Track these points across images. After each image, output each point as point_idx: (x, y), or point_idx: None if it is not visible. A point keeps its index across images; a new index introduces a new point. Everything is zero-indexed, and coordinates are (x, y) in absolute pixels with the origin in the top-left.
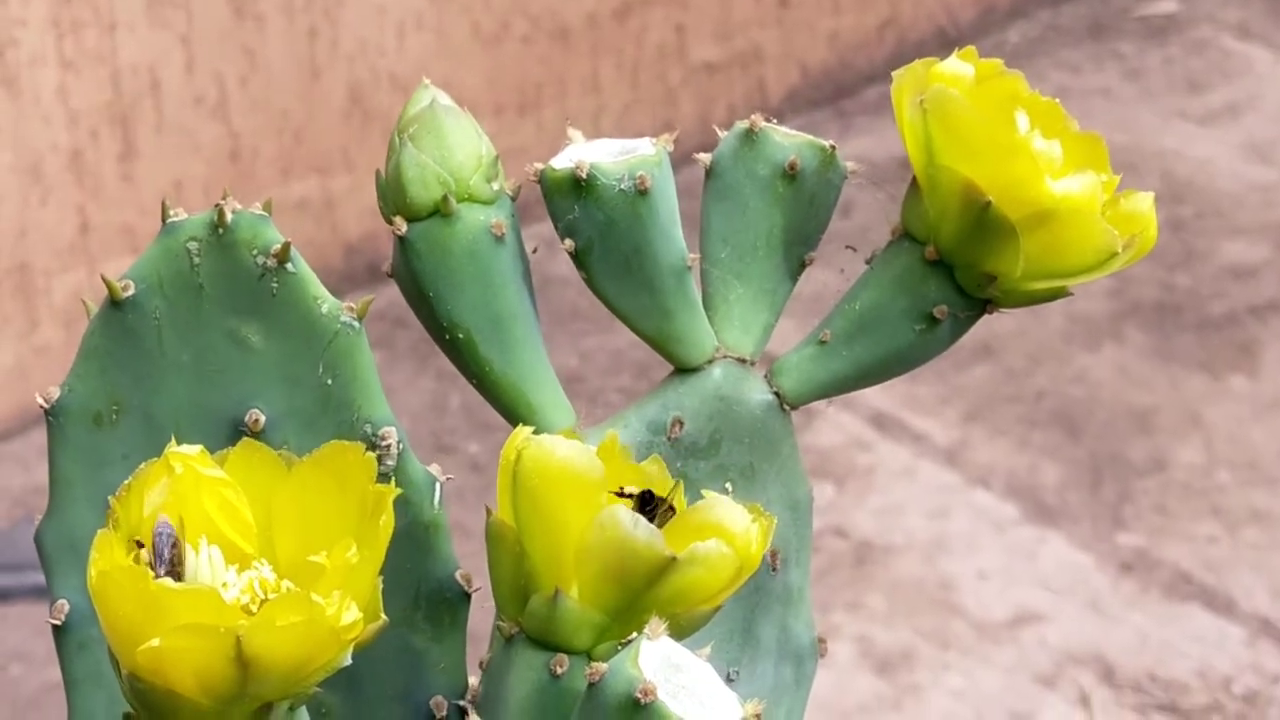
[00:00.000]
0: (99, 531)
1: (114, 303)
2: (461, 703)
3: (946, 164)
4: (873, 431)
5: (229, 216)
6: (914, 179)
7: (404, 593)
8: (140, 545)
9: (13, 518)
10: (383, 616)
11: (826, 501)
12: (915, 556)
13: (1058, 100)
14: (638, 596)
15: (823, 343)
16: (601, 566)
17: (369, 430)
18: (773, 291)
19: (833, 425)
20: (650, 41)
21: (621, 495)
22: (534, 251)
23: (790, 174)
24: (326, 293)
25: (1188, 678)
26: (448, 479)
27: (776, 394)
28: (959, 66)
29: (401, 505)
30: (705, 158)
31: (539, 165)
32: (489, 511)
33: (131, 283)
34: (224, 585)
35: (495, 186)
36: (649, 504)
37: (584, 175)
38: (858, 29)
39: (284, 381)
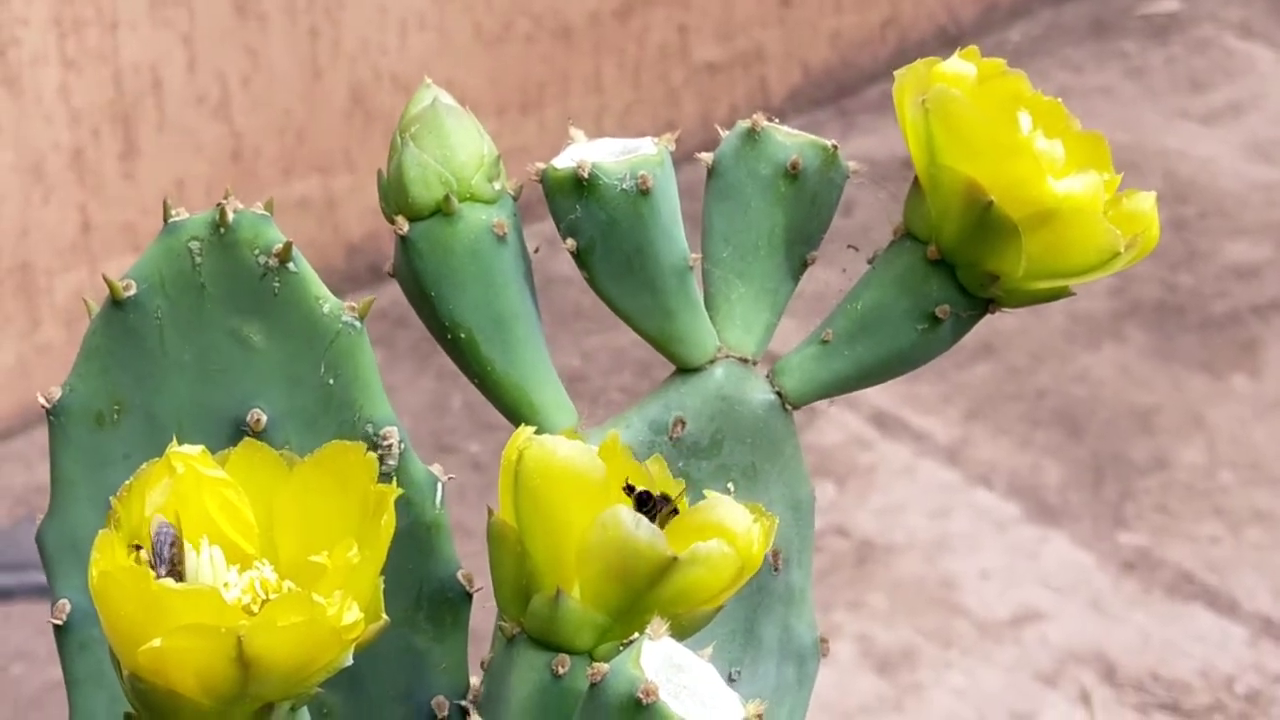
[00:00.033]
0: (100, 531)
1: (115, 302)
2: (463, 703)
3: (948, 164)
4: (874, 430)
5: (230, 216)
6: (916, 178)
7: (406, 593)
8: (140, 548)
9: (14, 516)
10: (384, 617)
11: (828, 501)
12: (917, 556)
13: (1060, 100)
14: (639, 597)
15: (825, 342)
16: (603, 566)
17: (370, 430)
18: (774, 291)
19: (834, 424)
20: (652, 41)
21: (630, 490)
22: (536, 251)
23: (792, 173)
24: (328, 292)
25: (1190, 677)
26: (449, 479)
27: (778, 394)
28: (961, 66)
29: (403, 505)
30: (707, 157)
31: (541, 165)
32: (490, 511)
33: (133, 282)
34: (225, 585)
35: (497, 186)
36: (647, 504)
37: (586, 175)
38: (860, 28)
39: (285, 381)
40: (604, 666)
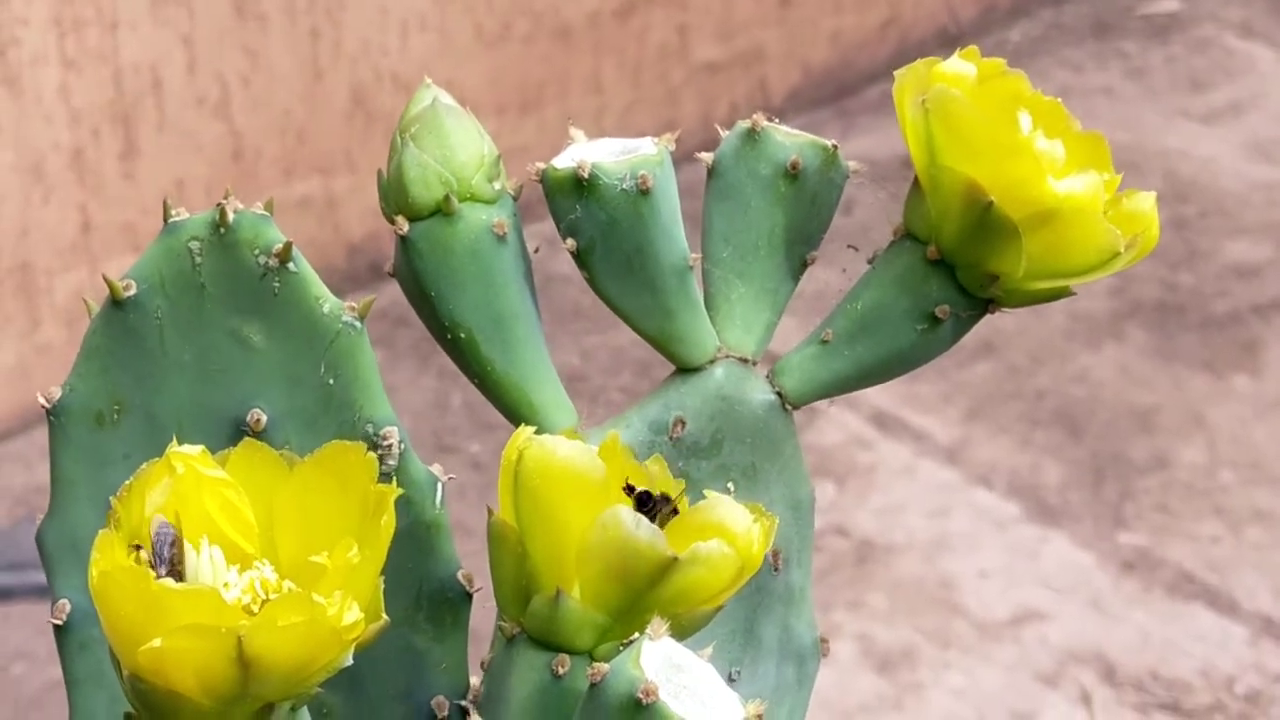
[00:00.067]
0: (100, 532)
1: (115, 302)
2: (463, 702)
3: (949, 164)
4: (874, 430)
5: (231, 216)
6: (916, 179)
7: (406, 592)
8: (140, 548)
9: (14, 516)
10: (384, 617)
11: (828, 500)
12: (916, 555)
13: (1060, 100)
14: (639, 597)
15: (825, 342)
16: (603, 566)
17: (370, 430)
18: (774, 291)
19: (834, 424)
20: (652, 41)
21: (630, 490)
22: (536, 251)
23: (792, 173)
24: (328, 292)
25: (1190, 677)
26: (449, 478)
27: (778, 394)
28: (961, 66)
29: (403, 505)
30: (707, 157)
31: (541, 165)
32: (491, 512)
33: (133, 282)
34: (225, 585)
35: (497, 186)
36: (647, 503)
37: (586, 175)
38: (860, 28)
39: (286, 381)
40: (604, 666)
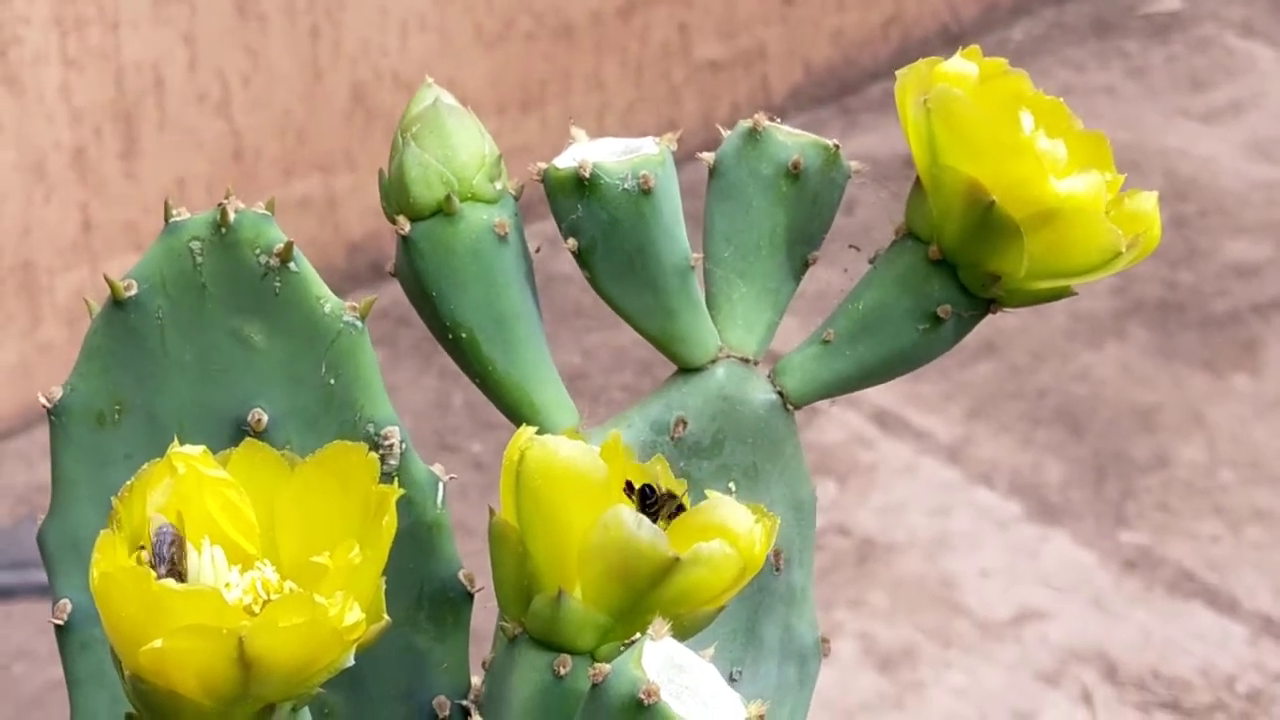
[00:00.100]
0: (101, 532)
1: (116, 302)
2: (464, 702)
3: (950, 163)
4: (875, 429)
5: (231, 216)
6: (918, 178)
7: (407, 593)
8: (142, 549)
9: (16, 515)
10: (385, 617)
11: (829, 499)
12: (918, 554)
13: (1061, 99)
14: (641, 597)
15: (826, 342)
16: (605, 567)
17: (371, 430)
18: (776, 291)
19: (835, 422)
20: (654, 39)
21: (631, 488)
22: (538, 251)
23: (794, 173)
24: (329, 292)
25: (1191, 676)
26: (451, 478)
27: (780, 394)
28: (963, 66)
29: (404, 505)
30: (709, 157)
31: (542, 164)
32: (492, 512)
33: (134, 282)
34: (227, 586)
35: (498, 186)
36: (650, 498)
37: (587, 175)
38: (861, 26)
39: (287, 381)
40: (606, 667)
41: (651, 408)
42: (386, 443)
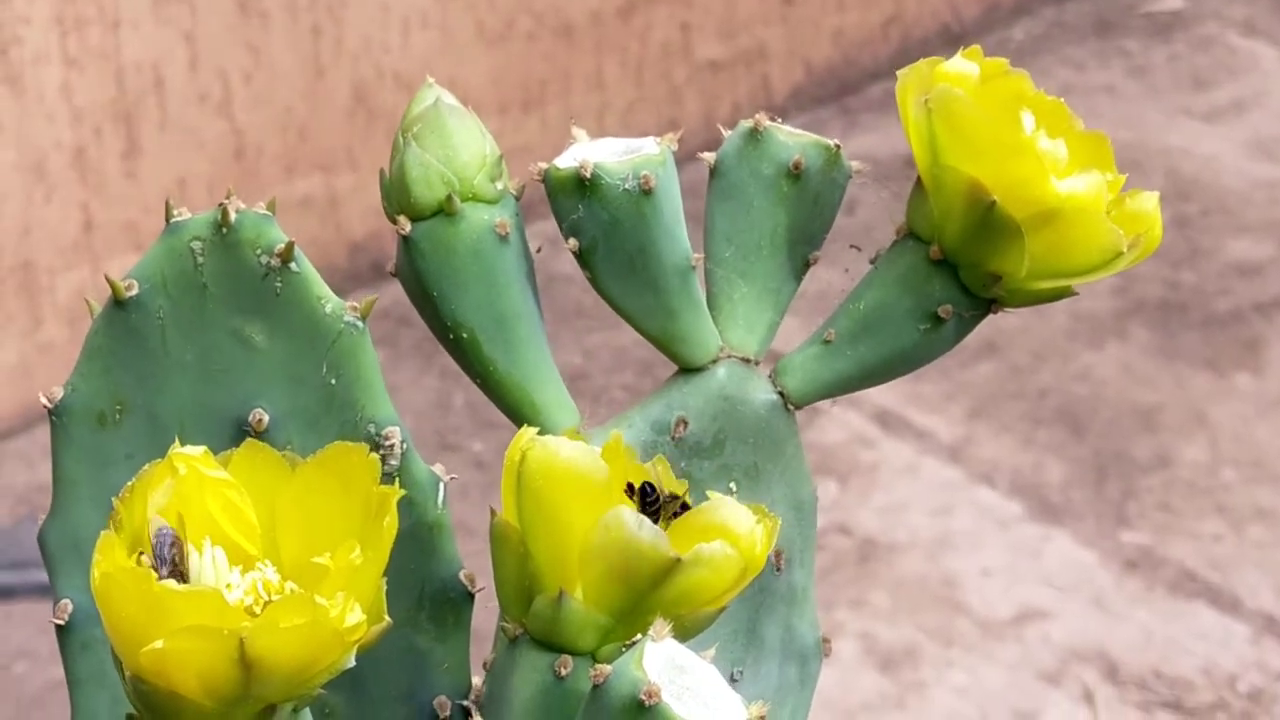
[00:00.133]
0: (102, 533)
1: (117, 302)
2: (465, 703)
3: (951, 163)
4: (876, 428)
5: (232, 216)
6: (919, 178)
7: (408, 593)
8: (144, 553)
9: (16, 515)
10: (386, 618)
11: (830, 499)
12: (919, 554)
13: (1062, 99)
14: (642, 598)
15: (827, 342)
16: (606, 568)
17: (372, 430)
18: (777, 291)
19: (836, 422)
20: (655, 39)
21: (632, 489)
22: (538, 251)
23: (795, 173)
24: (330, 292)
25: (1192, 675)
26: (451, 478)
27: (780, 394)
28: (964, 66)
29: (405, 506)
30: (710, 157)
31: (543, 164)
32: (493, 512)
33: (135, 282)
34: (228, 586)
35: (499, 186)
36: (650, 497)
37: (588, 175)
38: (862, 26)
39: (288, 381)
40: (606, 668)
41: (652, 408)
42: (387, 443)
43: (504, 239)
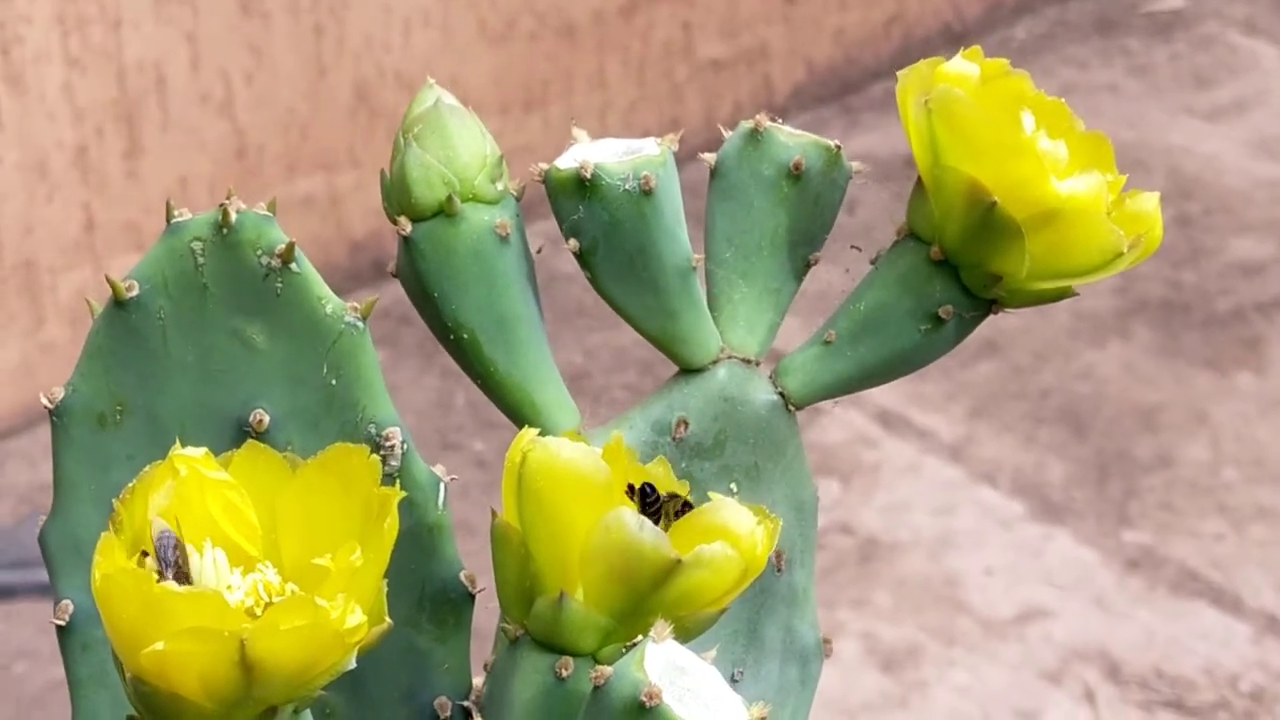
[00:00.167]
0: (102, 534)
1: (118, 303)
2: (466, 704)
3: (952, 164)
4: (878, 428)
5: (233, 216)
6: (919, 179)
7: (408, 594)
8: (145, 555)
9: (18, 514)
10: (387, 620)
11: (832, 498)
12: (921, 553)
13: (1063, 99)
14: (643, 599)
15: (827, 343)
16: (607, 569)
17: (373, 430)
18: (778, 291)
19: (838, 422)
20: (657, 38)
21: (632, 489)
22: (539, 251)
23: (795, 174)
24: (330, 293)
25: (1194, 675)
26: (452, 479)
27: (781, 394)
28: (964, 66)
29: (406, 507)
30: (710, 158)
31: (544, 165)
32: (494, 514)
33: (136, 283)
34: (228, 588)
35: (500, 186)
36: (650, 497)
37: (588, 175)
38: (864, 25)
39: (288, 382)
40: (607, 669)
41: (653, 408)
42: (388, 444)
43: (504, 240)
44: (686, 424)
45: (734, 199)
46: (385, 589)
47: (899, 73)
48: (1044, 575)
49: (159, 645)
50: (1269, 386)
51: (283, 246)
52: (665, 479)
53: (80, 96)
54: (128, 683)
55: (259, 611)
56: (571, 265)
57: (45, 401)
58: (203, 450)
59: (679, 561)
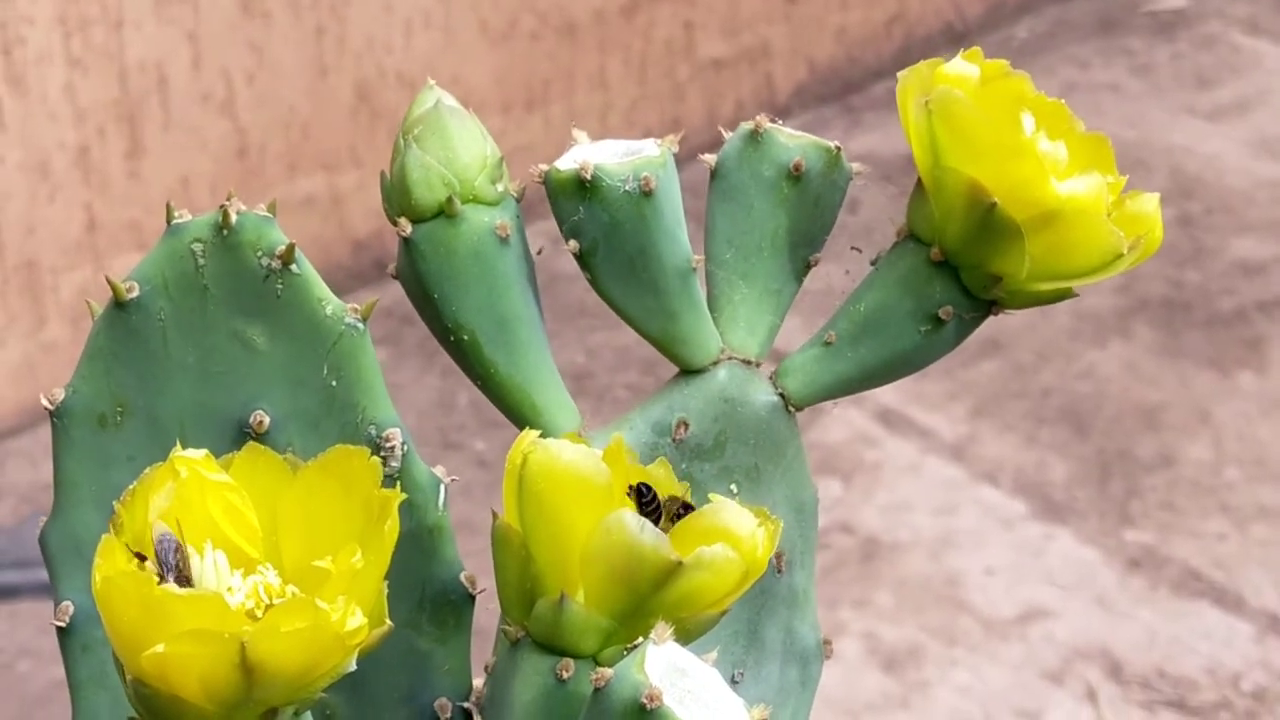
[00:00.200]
0: (103, 536)
1: (119, 304)
2: (466, 705)
3: (952, 165)
4: (880, 427)
5: (233, 218)
6: (919, 180)
7: (408, 595)
8: (144, 558)
9: (20, 514)
10: (387, 622)
11: (833, 498)
12: (922, 553)
13: (1064, 100)
14: (644, 601)
15: (828, 344)
16: (608, 570)
17: (373, 432)
18: (778, 292)
19: (840, 421)
20: (658, 38)
21: (632, 489)
22: (539, 251)
23: (795, 175)
24: (331, 294)
25: (1196, 674)
26: (453, 480)
27: (781, 395)
28: (964, 67)
29: (406, 508)
30: (710, 159)
31: (544, 166)
32: (495, 515)
33: (136, 284)
34: (229, 590)
35: (500, 187)
36: (647, 496)
37: (589, 177)
38: (865, 24)
39: (288, 383)
40: (608, 671)
41: (653, 409)
42: (388, 445)
43: (504, 241)
44: (687, 425)
45: (734, 200)
46: (386, 591)
47: (899, 74)
48: (1046, 575)
49: (159, 647)
50: (1270, 386)
51: (283, 248)
52: (666, 480)
53: (82, 97)
54: (128, 684)
55: (260, 614)
56: (572, 265)
57: (46, 403)
58: (203, 452)
59: (680, 563)
